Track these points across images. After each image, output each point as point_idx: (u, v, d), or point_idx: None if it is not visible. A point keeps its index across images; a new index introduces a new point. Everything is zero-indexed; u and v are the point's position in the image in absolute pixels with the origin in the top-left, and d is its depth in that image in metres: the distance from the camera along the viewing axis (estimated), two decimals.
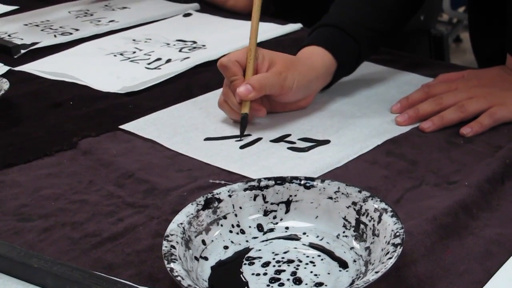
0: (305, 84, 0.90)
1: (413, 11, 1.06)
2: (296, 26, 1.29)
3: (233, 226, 0.65)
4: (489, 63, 0.98)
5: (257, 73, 0.88)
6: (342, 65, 0.95)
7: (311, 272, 0.59)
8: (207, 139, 0.87)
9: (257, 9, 0.93)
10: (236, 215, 0.65)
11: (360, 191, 0.64)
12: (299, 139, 0.85)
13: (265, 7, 1.47)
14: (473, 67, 1.06)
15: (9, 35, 1.34)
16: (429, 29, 1.74)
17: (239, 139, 0.86)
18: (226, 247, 0.63)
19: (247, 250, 0.63)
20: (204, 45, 1.22)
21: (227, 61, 0.88)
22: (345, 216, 0.64)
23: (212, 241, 0.63)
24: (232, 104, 0.88)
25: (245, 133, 0.87)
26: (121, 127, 0.91)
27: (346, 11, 0.99)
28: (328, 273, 0.59)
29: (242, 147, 0.84)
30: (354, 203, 0.64)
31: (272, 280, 0.59)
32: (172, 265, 0.56)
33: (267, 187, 0.66)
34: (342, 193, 0.64)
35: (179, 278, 0.54)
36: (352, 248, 0.62)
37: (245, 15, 1.39)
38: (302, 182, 0.66)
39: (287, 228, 0.65)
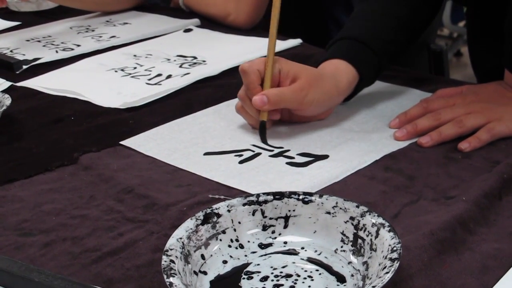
0: (326, 100, 0.91)
1: (427, 22, 1.08)
2: (296, 41, 1.30)
3: (232, 240, 0.65)
4: (488, 78, 0.99)
5: (279, 85, 0.90)
6: (364, 78, 0.96)
7: (309, 286, 0.60)
8: (206, 153, 0.88)
9: (275, 20, 0.92)
10: (235, 230, 0.66)
11: (357, 206, 0.64)
12: (298, 154, 0.86)
13: (265, 22, 1.48)
14: (473, 82, 1.07)
15: (11, 51, 1.35)
16: (429, 44, 1.75)
17: (238, 154, 0.87)
18: (225, 262, 0.64)
19: (246, 264, 0.63)
20: (204, 61, 1.23)
21: (248, 68, 0.88)
22: (343, 231, 0.64)
23: (211, 255, 0.63)
24: (249, 110, 0.90)
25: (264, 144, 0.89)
26: (121, 142, 0.92)
27: (364, 24, 1.00)
28: None
29: (241, 162, 0.85)
30: (352, 218, 0.64)
31: None
32: (171, 279, 0.56)
33: (265, 202, 0.67)
34: (340, 208, 0.65)
35: None
36: (350, 262, 0.63)
37: (245, 30, 1.41)
38: (301, 197, 0.67)
39: (285, 242, 0.66)
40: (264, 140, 0.89)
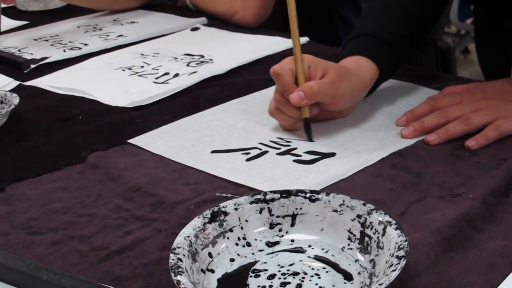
0: (355, 94, 0.93)
1: (437, 15, 1.08)
2: (303, 40, 1.30)
3: (239, 239, 0.65)
4: (495, 75, 0.99)
5: (310, 80, 0.90)
6: (384, 74, 0.97)
7: (316, 284, 0.60)
8: (214, 151, 0.88)
9: (293, 17, 0.93)
10: (242, 228, 0.66)
11: (364, 204, 0.64)
12: (304, 152, 0.86)
13: (272, 20, 1.48)
14: (480, 79, 1.07)
15: (19, 50, 1.35)
16: (436, 41, 1.75)
17: (245, 152, 0.87)
18: (232, 260, 0.64)
19: (253, 262, 0.64)
20: (211, 59, 1.23)
21: (280, 69, 0.88)
22: (350, 229, 0.65)
23: (219, 253, 0.64)
24: (287, 111, 0.90)
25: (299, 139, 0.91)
26: (129, 141, 0.92)
27: (379, 20, 1.01)
28: (333, 286, 0.60)
29: (248, 159, 0.85)
30: (358, 216, 0.64)
31: None
32: (179, 277, 0.56)
33: (272, 200, 0.67)
34: (347, 206, 0.65)
35: None
36: (356, 260, 0.63)
37: (252, 28, 1.41)
38: (308, 195, 0.67)
39: (292, 240, 0.66)
40: (310, 138, 0.89)
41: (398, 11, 1.02)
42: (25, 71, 1.23)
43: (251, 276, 0.62)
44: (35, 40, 1.43)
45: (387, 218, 0.62)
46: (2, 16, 1.57)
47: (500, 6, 1.04)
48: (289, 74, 0.88)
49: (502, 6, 1.02)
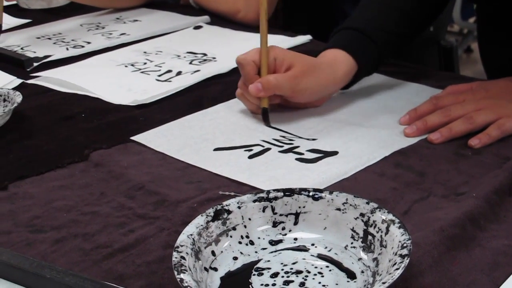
0: (321, 89, 0.94)
1: (434, 16, 1.09)
2: (306, 38, 1.30)
3: (242, 237, 0.65)
4: (498, 74, 0.99)
5: (274, 72, 0.93)
6: (363, 68, 0.98)
7: (319, 283, 0.60)
8: (216, 149, 0.88)
9: (264, 11, 0.97)
10: (245, 227, 0.66)
11: (368, 203, 0.64)
12: (307, 151, 0.86)
13: (274, 19, 1.48)
14: (483, 78, 1.07)
15: (21, 48, 1.35)
16: (439, 40, 1.75)
17: (248, 149, 0.87)
18: (235, 258, 0.64)
19: (256, 261, 0.64)
20: (214, 58, 1.23)
21: (243, 60, 0.92)
22: (353, 227, 0.65)
23: (222, 252, 0.64)
24: (249, 97, 0.94)
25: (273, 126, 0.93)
26: (132, 138, 0.92)
27: (368, 15, 1.02)
28: (336, 284, 0.60)
29: (250, 157, 0.85)
30: (362, 215, 0.64)
31: None
32: (182, 275, 0.56)
33: (276, 198, 0.67)
34: (350, 205, 0.65)
35: None
36: (360, 259, 0.63)
37: (255, 27, 1.40)
38: (311, 193, 0.67)
39: (295, 239, 0.66)
40: (268, 124, 0.93)
41: (391, 9, 1.02)
42: (28, 69, 1.23)
43: (254, 275, 0.62)
44: (38, 38, 1.43)
45: (391, 216, 0.62)
46: (5, 14, 1.57)
47: (502, 4, 1.03)
48: (251, 66, 0.92)
49: (505, 3, 1.02)
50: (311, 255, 0.64)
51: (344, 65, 0.96)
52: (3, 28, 1.44)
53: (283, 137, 0.90)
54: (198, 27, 1.43)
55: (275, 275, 0.61)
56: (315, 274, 0.61)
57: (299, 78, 0.91)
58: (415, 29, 1.06)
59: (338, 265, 0.62)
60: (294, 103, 0.96)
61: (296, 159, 0.84)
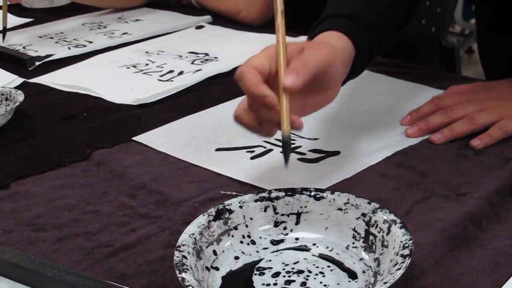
0: (342, 59, 0.78)
1: (413, 8, 0.98)
2: (301, 39, 1.29)
3: (243, 236, 0.65)
4: (497, 75, 0.99)
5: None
6: (360, 55, 0.83)
7: (321, 282, 0.60)
8: (218, 149, 0.88)
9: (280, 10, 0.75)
10: (247, 226, 0.66)
11: (369, 203, 0.64)
12: (309, 151, 0.86)
13: (275, 20, 1.48)
14: (484, 79, 1.07)
15: (24, 47, 1.36)
16: (440, 41, 1.75)
17: (250, 150, 0.87)
18: (237, 258, 0.64)
19: (258, 260, 0.64)
20: (216, 57, 1.23)
21: (240, 69, 0.72)
22: (354, 227, 0.65)
23: (223, 251, 0.64)
24: (263, 118, 0.72)
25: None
26: (134, 138, 0.92)
27: (353, 4, 0.88)
28: (338, 284, 0.60)
29: (253, 158, 0.85)
30: (363, 215, 0.64)
31: None
32: (183, 275, 0.56)
33: (277, 198, 0.67)
34: (352, 205, 0.65)
35: (190, 287, 0.55)
36: (361, 259, 0.63)
37: (257, 27, 1.41)
38: (312, 193, 0.67)
39: (297, 239, 0.66)
40: (287, 159, 0.71)
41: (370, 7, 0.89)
42: (30, 68, 1.23)
43: (255, 274, 0.62)
44: (40, 37, 1.43)
45: (392, 216, 0.62)
46: (8, 14, 1.57)
47: (502, 6, 1.03)
48: (253, 72, 0.71)
49: (504, 6, 1.02)
50: (313, 255, 0.64)
51: (341, 42, 0.80)
52: (7, 27, 1.44)
53: None
54: (200, 27, 1.43)
55: (276, 274, 0.61)
56: (316, 274, 0.61)
57: (320, 47, 0.74)
58: (397, 21, 0.94)
59: (340, 265, 0.62)
60: (316, 98, 0.77)
61: (298, 159, 0.84)
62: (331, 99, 0.80)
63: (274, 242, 0.66)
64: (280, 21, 0.74)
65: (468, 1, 1.32)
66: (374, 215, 0.63)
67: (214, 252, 0.63)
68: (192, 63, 1.21)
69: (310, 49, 0.73)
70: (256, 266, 0.63)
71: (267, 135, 0.76)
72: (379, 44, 0.88)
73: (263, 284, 0.60)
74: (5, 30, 1.41)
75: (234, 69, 1.13)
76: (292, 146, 0.87)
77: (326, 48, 0.75)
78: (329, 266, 0.62)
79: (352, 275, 0.61)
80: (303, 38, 1.27)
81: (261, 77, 0.70)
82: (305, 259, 0.63)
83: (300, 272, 0.62)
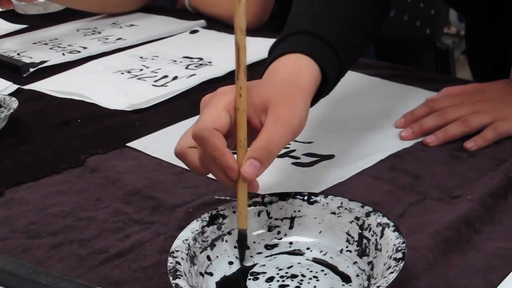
0: (307, 112, 0.69)
1: (380, 22, 0.91)
2: None
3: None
4: (484, 79, 0.99)
5: (256, 124, 0.65)
6: (326, 80, 0.76)
7: (315, 286, 0.60)
8: None
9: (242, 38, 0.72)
10: None
11: (362, 206, 0.64)
12: (303, 154, 0.86)
13: (270, 23, 1.49)
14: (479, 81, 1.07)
15: (18, 54, 1.36)
16: (435, 43, 1.75)
17: None
18: (231, 263, 0.64)
19: (252, 265, 0.64)
20: (210, 62, 1.23)
21: (202, 130, 0.62)
22: (348, 231, 0.65)
23: (217, 256, 0.64)
24: (221, 181, 0.64)
25: None
26: (128, 144, 0.92)
27: (318, 19, 0.81)
28: None
29: None
30: (357, 218, 0.64)
31: None
32: (177, 281, 0.56)
33: (271, 202, 0.67)
34: (345, 208, 0.65)
35: None
36: (355, 262, 0.63)
37: (250, 31, 1.40)
38: (306, 197, 0.67)
39: (291, 243, 0.66)
40: (242, 258, 0.64)
41: (335, 15, 0.83)
42: (24, 75, 1.23)
43: (249, 279, 0.62)
44: (34, 43, 1.43)
45: (385, 220, 0.62)
46: (1, 20, 1.57)
47: (488, 13, 1.03)
48: (216, 135, 0.62)
49: (490, 13, 1.02)
50: (306, 259, 0.64)
51: (310, 72, 0.73)
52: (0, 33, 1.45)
53: None
54: (194, 32, 1.43)
55: (270, 279, 0.61)
56: (310, 278, 0.61)
57: (290, 117, 0.65)
58: (364, 36, 0.87)
59: (333, 269, 0.62)
60: None
61: (293, 163, 0.84)
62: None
63: (268, 247, 0.66)
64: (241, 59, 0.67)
65: (456, 11, 1.32)
66: (368, 219, 0.63)
67: (208, 258, 0.63)
68: (187, 67, 1.21)
69: (276, 124, 0.63)
70: (250, 271, 0.63)
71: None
72: (347, 65, 0.82)
73: None
74: None
75: (229, 74, 1.15)
76: (286, 150, 0.87)
77: (296, 118, 0.65)
78: (323, 270, 0.62)
79: (346, 279, 0.61)
80: None
81: (224, 141, 0.62)
82: (299, 263, 0.63)
83: (294, 276, 0.62)
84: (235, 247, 0.65)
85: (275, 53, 0.76)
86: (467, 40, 1.17)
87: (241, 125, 0.63)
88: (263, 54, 1.22)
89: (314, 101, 0.76)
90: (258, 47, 1.29)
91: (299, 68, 0.73)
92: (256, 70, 1.17)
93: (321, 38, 0.77)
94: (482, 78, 1.03)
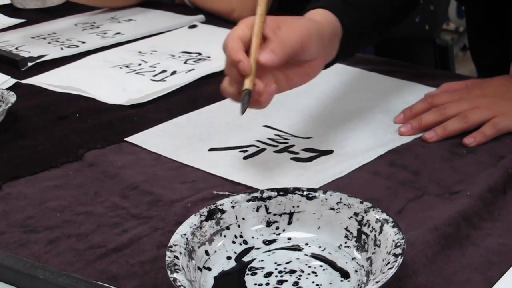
0: (320, 33, 0.80)
1: (414, 4, 1.03)
2: None
3: (236, 237, 0.65)
4: (488, 74, 0.99)
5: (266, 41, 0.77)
6: (347, 34, 0.86)
7: (313, 282, 0.60)
8: (211, 149, 0.88)
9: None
10: (239, 226, 0.66)
11: (361, 202, 0.64)
12: (302, 150, 0.86)
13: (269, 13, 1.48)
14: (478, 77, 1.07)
15: (16, 48, 1.35)
16: (434, 39, 1.75)
17: (243, 149, 0.86)
18: (229, 258, 0.64)
19: (250, 260, 0.64)
20: (209, 57, 1.23)
21: (227, 37, 0.77)
22: (347, 227, 0.64)
23: (215, 251, 0.63)
24: (239, 83, 0.75)
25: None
26: (126, 139, 0.92)
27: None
28: (330, 283, 0.60)
29: (246, 157, 0.85)
30: (355, 214, 0.64)
31: None
32: (175, 275, 0.56)
33: (270, 198, 0.67)
34: (344, 204, 0.65)
35: (182, 287, 0.55)
36: (353, 258, 0.63)
37: None
38: (305, 193, 0.67)
39: (289, 238, 0.66)
40: (243, 111, 0.74)
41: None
42: (22, 69, 1.23)
43: (248, 274, 0.62)
44: (33, 38, 1.43)
45: (384, 216, 0.62)
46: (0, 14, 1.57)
47: (490, 7, 1.03)
48: (235, 40, 0.76)
49: (492, 7, 1.02)
50: (305, 255, 0.64)
51: (327, 18, 0.84)
52: None
53: (278, 136, 0.90)
54: (193, 26, 1.43)
55: (268, 274, 0.61)
56: (308, 274, 0.61)
57: (299, 25, 0.77)
58: (394, 12, 0.97)
59: (332, 264, 0.62)
60: (295, 72, 0.80)
61: (292, 158, 0.84)
62: (314, 73, 0.82)
63: (267, 242, 0.66)
64: None
65: (459, 2, 1.32)
66: (367, 214, 0.63)
67: (206, 252, 0.63)
68: (185, 62, 1.21)
69: (285, 27, 0.77)
70: (249, 266, 0.63)
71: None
72: (371, 28, 0.91)
73: (255, 284, 0.60)
74: None
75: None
76: (285, 145, 0.87)
77: (301, 25, 0.78)
78: (321, 266, 0.62)
79: (345, 275, 0.61)
80: None
81: (242, 46, 0.75)
82: (298, 258, 0.63)
83: (292, 272, 0.61)
84: (233, 242, 0.65)
85: (306, 8, 0.88)
86: (469, 34, 1.16)
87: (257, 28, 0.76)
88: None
89: (339, 55, 0.87)
90: None
91: (314, 15, 0.84)
92: None
93: (346, 1, 0.87)
94: (486, 71, 1.03)
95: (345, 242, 0.64)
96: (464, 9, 1.17)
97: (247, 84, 0.74)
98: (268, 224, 0.67)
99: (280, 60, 0.75)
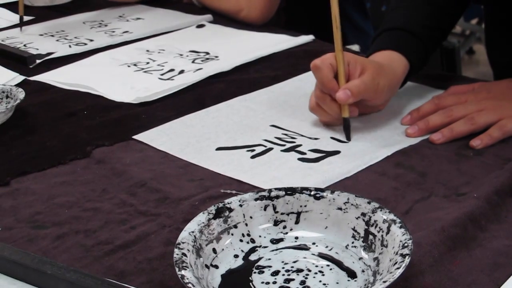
0: (391, 88, 0.93)
1: (463, 7, 1.09)
2: (308, 38, 1.30)
3: (243, 235, 0.65)
4: (505, 73, 0.99)
5: (349, 77, 0.89)
6: (414, 67, 0.98)
7: (320, 281, 0.60)
8: (218, 149, 0.88)
9: (336, 14, 0.91)
10: (246, 225, 0.66)
11: (369, 202, 0.64)
12: (309, 150, 0.86)
13: (277, 18, 1.48)
14: (485, 80, 1.07)
15: (24, 45, 1.35)
16: None
17: (250, 149, 0.87)
18: (236, 256, 0.64)
19: (257, 259, 0.64)
20: (217, 56, 1.23)
21: (321, 63, 0.88)
22: (354, 227, 0.65)
23: (223, 249, 0.64)
24: (328, 109, 0.89)
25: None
26: (134, 137, 0.92)
27: (408, 13, 1.02)
28: (337, 283, 0.60)
29: (253, 157, 0.85)
30: (363, 214, 0.64)
31: None
32: (183, 272, 0.57)
33: (277, 197, 0.67)
34: (352, 204, 0.65)
35: (190, 285, 0.55)
36: (360, 258, 0.63)
37: (257, 26, 1.41)
38: (312, 193, 0.67)
39: (296, 238, 0.66)
40: (348, 137, 0.89)
41: (425, 5, 1.03)
42: (31, 66, 1.23)
43: (255, 272, 0.62)
44: (41, 35, 1.43)
45: (392, 216, 0.62)
46: (8, 11, 1.58)
47: (510, 5, 1.03)
48: (329, 69, 0.88)
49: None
50: (312, 254, 0.64)
51: (399, 64, 0.95)
52: (23, 20, 1.46)
53: (285, 135, 0.90)
54: (200, 26, 1.43)
55: (275, 273, 0.62)
56: (315, 273, 0.61)
57: (377, 79, 0.89)
58: (449, 21, 1.07)
59: (339, 264, 0.62)
60: (367, 108, 0.93)
61: (299, 158, 0.84)
62: (381, 108, 0.95)
63: (274, 241, 0.66)
64: (337, 24, 0.91)
65: (475, 2, 1.31)
66: (374, 215, 0.63)
67: (214, 250, 0.63)
68: (193, 62, 1.21)
69: (368, 76, 0.89)
70: (256, 265, 0.63)
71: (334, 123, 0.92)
72: (433, 49, 1.03)
73: (262, 283, 0.60)
74: (22, 20, 1.43)
75: (235, 68, 1.15)
76: (293, 144, 0.87)
77: (380, 81, 0.90)
78: (328, 265, 0.62)
79: (352, 274, 0.61)
80: (304, 38, 1.27)
81: (333, 73, 0.88)
82: (305, 258, 0.64)
83: (299, 271, 0.62)
84: (240, 240, 0.65)
85: (372, 48, 1.00)
86: (488, 33, 1.17)
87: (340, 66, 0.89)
88: (271, 49, 1.23)
89: (404, 82, 0.99)
90: (266, 42, 1.29)
91: (391, 59, 0.96)
92: (263, 64, 1.18)
93: (408, 31, 0.99)
94: (502, 71, 1.04)
95: (352, 242, 0.64)
96: (483, 8, 1.17)
97: (346, 113, 0.88)
98: (276, 223, 0.67)
99: (353, 101, 0.88)
